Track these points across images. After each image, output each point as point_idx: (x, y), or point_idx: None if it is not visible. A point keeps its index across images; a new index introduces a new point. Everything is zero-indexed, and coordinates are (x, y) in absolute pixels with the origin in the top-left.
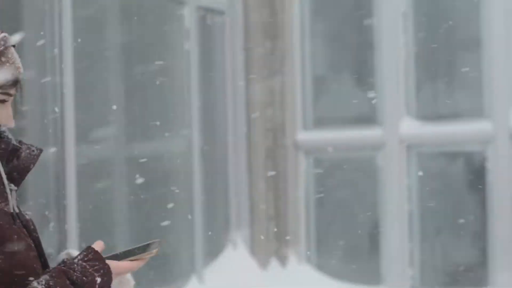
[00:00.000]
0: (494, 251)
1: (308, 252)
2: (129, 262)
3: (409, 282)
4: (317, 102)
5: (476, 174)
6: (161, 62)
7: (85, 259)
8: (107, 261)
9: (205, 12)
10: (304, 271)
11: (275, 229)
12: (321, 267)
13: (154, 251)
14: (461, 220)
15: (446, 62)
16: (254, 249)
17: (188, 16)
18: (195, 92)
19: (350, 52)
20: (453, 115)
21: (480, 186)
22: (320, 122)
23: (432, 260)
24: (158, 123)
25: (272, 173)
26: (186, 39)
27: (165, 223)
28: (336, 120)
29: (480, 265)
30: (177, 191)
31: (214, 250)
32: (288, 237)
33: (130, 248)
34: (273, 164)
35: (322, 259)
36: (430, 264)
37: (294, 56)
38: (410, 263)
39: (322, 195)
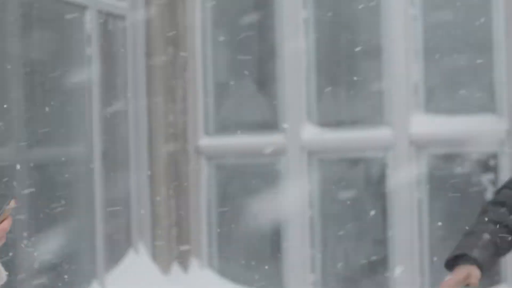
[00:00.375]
0: (393, 256)
1: (210, 258)
2: None
3: None
4: (219, 108)
5: (376, 180)
6: (62, 68)
7: None
8: None
9: (107, 17)
10: (206, 276)
11: (177, 235)
12: (223, 272)
13: (11, 202)
14: (362, 226)
15: (347, 69)
16: (155, 254)
17: (89, 21)
18: (96, 98)
19: (252, 59)
20: (354, 122)
21: (380, 192)
22: (222, 128)
23: (334, 265)
24: (58, 129)
25: (174, 178)
26: (88, 45)
27: (67, 227)
28: (238, 125)
29: (380, 270)
30: (77, 196)
31: (115, 255)
32: (190, 243)
33: None
34: (175, 170)
35: (224, 264)
36: (332, 270)
37: (196, 63)
38: (311, 268)
39: (224, 200)
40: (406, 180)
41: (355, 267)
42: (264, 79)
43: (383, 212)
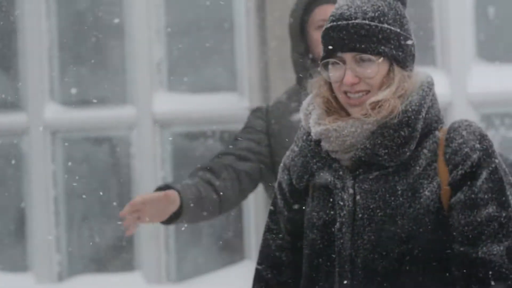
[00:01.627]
0: (138, 234)
1: None
2: None
3: (56, 269)
4: None
5: (121, 159)
6: None
7: None
8: None
9: None
10: None
11: None
12: None
13: None
14: (107, 205)
15: (91, 48)
16: None
17: None
18: None
19: None
20: (98, 101)
21: (125, 171)
22: None
23: (80, 246)
24: None
25: None
26: None
27: None
28: None
29: (126, 250)
30: None
31: None
32: None
33: None
34: None
35: None
36: (78, 250)
37: None
38: (57, 249)
39: None
40: (150, 158)
41: (101, 247)
42: (6, 56)
43: (128, 191)
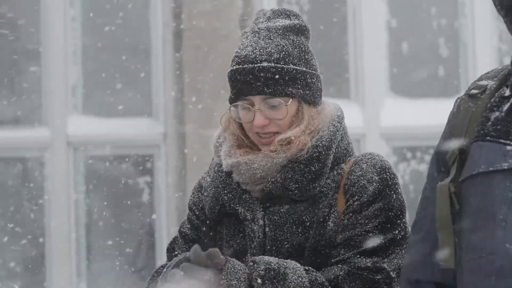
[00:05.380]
0: (51, 255)
1: None
2: None
3: None
4: None
5: (34, 180)
6: None
7: None
8: None
9: None
10: None
11: None
12: None
13: None
14: (19, 223)
15: (8, 70)
16: None
17: None
18: None
19: None
20: (13, 122)
21: (38, 192)
22: None
23: None
24: None
25: None
26: None
27: None
28: None
29: (37, 269)
30: None
31: None
32: None
33: None
34: None
35: None
36: None
37: None
38: None
39: None
40: (63, 180)
41: (11, 267)
42: None
43: (41, 211)
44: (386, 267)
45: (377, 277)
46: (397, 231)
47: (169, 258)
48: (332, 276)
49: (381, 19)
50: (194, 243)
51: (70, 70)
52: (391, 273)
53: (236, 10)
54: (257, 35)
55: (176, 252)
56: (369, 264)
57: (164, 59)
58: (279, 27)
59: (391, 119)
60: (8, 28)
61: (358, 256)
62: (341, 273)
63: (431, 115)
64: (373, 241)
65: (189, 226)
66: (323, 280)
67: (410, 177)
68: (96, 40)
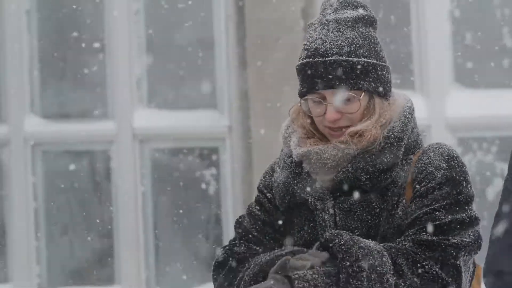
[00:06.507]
0: (119, 248)
1: None
2: None
3: (36, 280)
4: None
5: (101, 173)
6: None
7: None
8: None
9: None
10: None
11: None
12: None
13: None
14: (87, 218)
15: (72, 62)
16: None
17: None
18: None
19: None
20: (79, 115)
21: (105, 185)
22: None
23: (59, 258)
24: None
25: None
26: None
27: None
28: None
29: (106, 262)
30: None
31: None
32: None
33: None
34: None
35: None
36: (57, 262)
37: None
38: (37, 261)
39: None
40: (130, 173)
41: (81, 259)
42: None
43: (109, 204)
44: (453, 242)
45: (441, 253)
46: (464, 214)
47: (237, 233)
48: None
49: (444, 9)
50: (263, 224)
51: (134, 64)
52: (457, 251)
53: (299, 1)
54: (326, 27)
55: (240, 231)
56: (433, 238)
57: (228, 52)
58: (348, 19)
59: (456, 110)
60: (73, 22)
61: (423, 232)
62: (403, 244)
63: (496, 106)
64: (439, 219)
65: (258, 207)
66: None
67: (476, 168)
68: (160, 33)
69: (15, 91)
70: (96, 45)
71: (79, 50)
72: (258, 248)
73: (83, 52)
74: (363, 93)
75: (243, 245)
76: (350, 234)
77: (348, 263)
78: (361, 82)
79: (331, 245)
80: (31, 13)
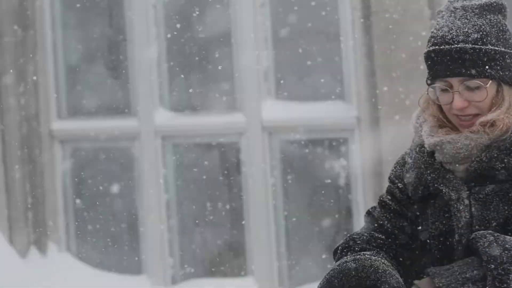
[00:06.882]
0: (250, 240)
1: (68, 242)
2: None
3: (170, 272)
4: (71, 91)
5: (231, 165)
6: None
7: None
8: None
9: None
10: (64, 260)
11: (34, 219)
12: (82, 256)
13: None
14: (218, 210)
15: (199, 56)
16: (12, 238)
17: None
18: None
19: (103, 43)
20: (207, 107)
21: (235, 177)
22: (75, 112)
23: (192, 249)
24: None
25: (28, 161)
26: None
27: None
28: (91, 109)
29: (237, 254)
30: None
31: None
32: (46, 227)
33: None
34: (28, 153)
35: (83, 248)
36: (190, 254)
37: (46, 46)
38: (170, 252)
39: (80, 184)
40: (260, 165)
41: (213, 251)
42: (116, 63)
43: (239, 196)
44: None
45: None
46: None
47: (367, 223)
48: None
49: None
50: (395, 214)
51: (261, 56)
52: None
53: None
54: (453, 14)
55: (375, 224)
56: None
57: (355, 42)
58: (476, 6)
59: None
60: (199, 14)
61: None
62: None
63: None
64: None
65: (389, 197)
66: None
67: None
68: (285, 25)
69: (144, 84)
70: (223, 38)
71: (205, 43)
72: (383, 236)
73: (210, 45)
74: (490, 81)
75: (366, 233)
76: (496, 234)
77: (493, 266)
78: (488, 70)
79: (475, 247)
80: (157, 8)
